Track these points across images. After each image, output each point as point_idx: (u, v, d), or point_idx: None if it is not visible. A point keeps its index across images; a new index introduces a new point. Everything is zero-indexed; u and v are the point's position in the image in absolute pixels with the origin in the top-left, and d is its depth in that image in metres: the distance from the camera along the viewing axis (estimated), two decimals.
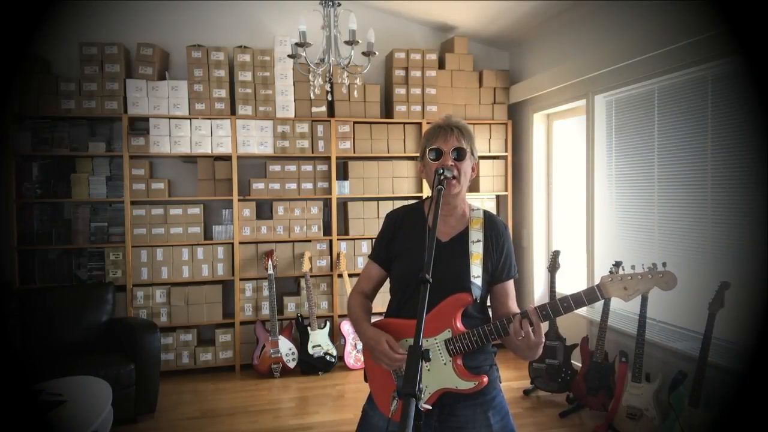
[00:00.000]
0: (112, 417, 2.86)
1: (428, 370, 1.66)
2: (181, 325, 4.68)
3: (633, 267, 1.58)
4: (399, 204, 5.16)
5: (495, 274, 1.76)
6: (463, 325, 1.67)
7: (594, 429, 3.51)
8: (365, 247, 5.02)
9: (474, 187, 5.17)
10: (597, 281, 1.59)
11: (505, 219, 5.31)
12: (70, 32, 4.69)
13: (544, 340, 1.58)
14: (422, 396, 1.58)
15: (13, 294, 4.07)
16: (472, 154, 1.75)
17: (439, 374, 1.66)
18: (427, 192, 4.97)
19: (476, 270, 1.71)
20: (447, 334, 1.65)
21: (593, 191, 4.26)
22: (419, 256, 1.41)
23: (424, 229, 1.73)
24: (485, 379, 1.66)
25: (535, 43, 5.11)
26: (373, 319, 1.82)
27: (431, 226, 1.48)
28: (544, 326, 1.60)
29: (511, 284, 1.80)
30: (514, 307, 1.78)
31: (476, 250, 1.73)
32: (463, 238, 1.76)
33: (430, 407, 1.63)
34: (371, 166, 5.05)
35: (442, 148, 1.70)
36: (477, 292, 1.69)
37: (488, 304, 1.83)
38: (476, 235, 1.75)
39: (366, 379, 1.83)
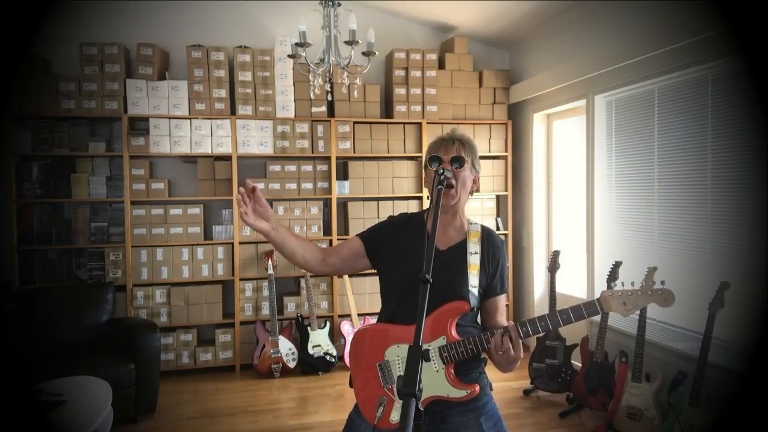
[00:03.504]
0: (112, 417, 2.86)
1: None
2: (181, 325, 4.68)
3: (633, 283, 1.62)
4: (399, 204, 5.14)
5: (488, 287, 1.78)
6: (457, 334, 1.67)
7: (594, 429, 3.51)
8: None
9: None
10: (597, 293, 1.62)
11: (505, 219, 5.31)
12: (70, 32, 4.69)
13: (522, 355, 1.60)
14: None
15: (13, 294, 4.07)
16: (474, 166, 1.79)
17: (431, 381, 1.65)
18: (427, 192, 4.96)
19: (473, 280, 1.73)
20: (442, 341, 1.65)
21: (593, 191, 4.26)
22: (418, 263, 1.42)
23: (424, 235, 1.73)
24: (477, 387, 1.66)
25: (535, 43, 5.11)
26: (372, 320, 1.82)
27: (431, 227, 1.48)
28: None
29: (501, 299, 1.82)
30: (502, 320, 1.80)
31: (473, 262, 1.76)
32: (461, 248, 1.78)
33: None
34: (371, 166, 5.05)
35: (441, 156, 1.73)
36: (474, 302, 1.72)
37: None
38: (474, 247, 1.78)
39: (351, 385, 1.80)
